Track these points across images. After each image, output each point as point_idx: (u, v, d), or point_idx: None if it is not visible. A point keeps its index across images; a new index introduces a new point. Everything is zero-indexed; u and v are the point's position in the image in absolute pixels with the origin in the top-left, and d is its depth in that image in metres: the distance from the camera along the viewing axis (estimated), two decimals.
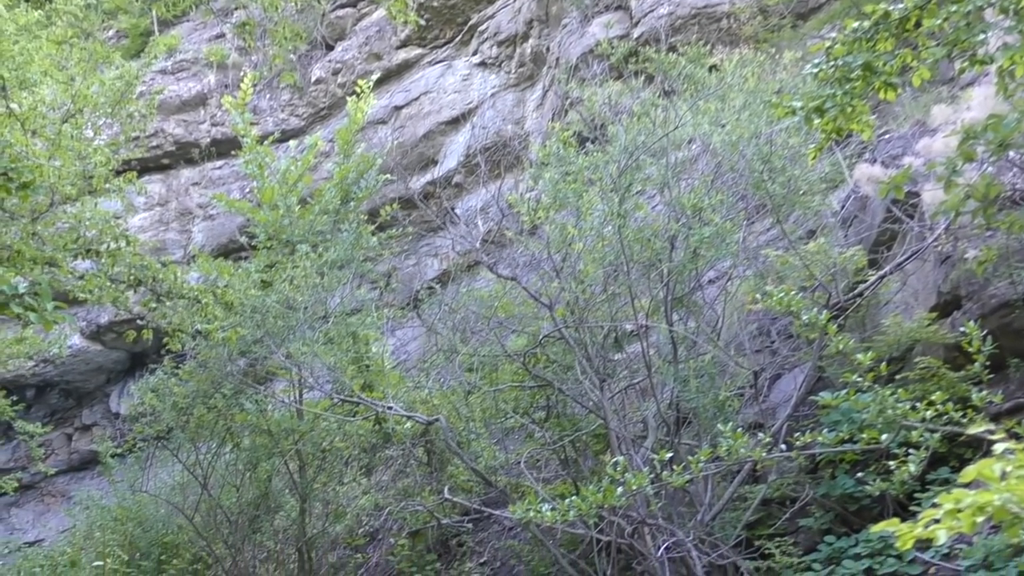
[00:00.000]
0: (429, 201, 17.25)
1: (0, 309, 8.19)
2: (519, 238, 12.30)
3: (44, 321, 7.98)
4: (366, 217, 15.89)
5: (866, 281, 10.21)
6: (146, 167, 22.13)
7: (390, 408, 13.09)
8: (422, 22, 19.93)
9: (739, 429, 7.28)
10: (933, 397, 6.73)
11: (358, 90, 16.83)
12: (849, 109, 6.57)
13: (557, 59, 19.21)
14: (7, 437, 21.85)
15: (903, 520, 3.74)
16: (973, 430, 4.35)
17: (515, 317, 13.20)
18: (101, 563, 5.23)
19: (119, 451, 18.36)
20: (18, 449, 23.26)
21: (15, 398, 18.42)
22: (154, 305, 11.99)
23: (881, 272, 10.18)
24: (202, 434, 15.44)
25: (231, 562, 15.87)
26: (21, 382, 22.75)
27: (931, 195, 8.73)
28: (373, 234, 15.23)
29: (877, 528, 3.83)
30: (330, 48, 23.94)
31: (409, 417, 13.34)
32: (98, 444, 18.80)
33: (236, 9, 23.34)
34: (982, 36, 6.19)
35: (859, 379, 7.04)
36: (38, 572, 16.67)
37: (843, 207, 11.73)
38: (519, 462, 12.44)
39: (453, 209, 16.63)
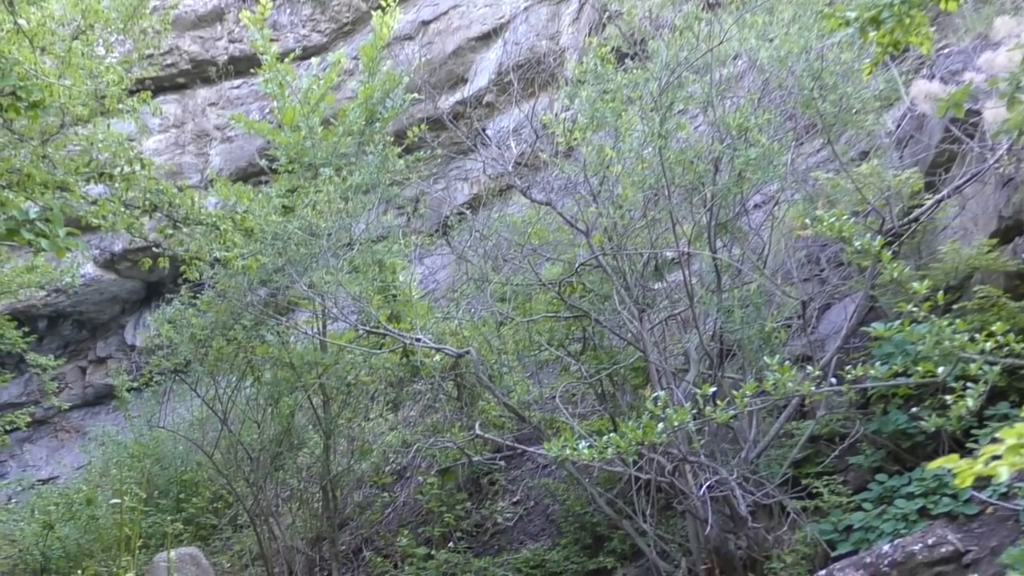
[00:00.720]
0: (459, 122, 17.21)
1: (10, 235, 8.29)
2: (554, 160, 12.28)
3: (56, 248, 8.07)
4: (392, 139, 15.87)
5: (922, 205, 10.15)
6: (161, 87, 22.15)
7: (418, 340, 13.17)
8: None
9: (786, 362, 7.30)
10: (993, 328, 6.72)
11: (383, 4, 16.73)
12: (907, 20, 6.50)
13: None
14: (19, 370, 22.15)
15: (960, 457, 3.74)
16: None
17: (550, 244, 13.22)
18: (118, 501, 5.36)
19: (135, 385, 18.62)
20: (30, 383, 23.60)
21: (26, 330, 18.64)
22: (170, 232, 12.07)
23: (938, 196, 10.11)
24: (221, 367, 15.60)
25: (252, 501, 16.12)
26: (33, 313, 23.02)
27: (993, 113, 8.65)
28: (400, 157, 15.22)
29: (934, 465, 3.85)
30: None
31: (438, 349, 13.43)
32: (113, 378, 19.07)
33: None
34: None
35: (914, 309, 7.03)
36: (53, 510, 16.96)
37: (898, 126, 11.63)
38: (554, 397, 12.54)
39: (484, 130, 16.60)
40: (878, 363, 7.36)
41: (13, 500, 21.35)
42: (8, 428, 18.53)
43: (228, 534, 17.94)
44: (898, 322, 7.20)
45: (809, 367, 7.79)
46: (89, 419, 24.00)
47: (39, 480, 21.98)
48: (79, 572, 5.24)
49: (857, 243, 8.03)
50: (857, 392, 9.64)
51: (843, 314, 11.02)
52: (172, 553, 5.96)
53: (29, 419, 19.69)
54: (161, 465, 18.36)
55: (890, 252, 8.15)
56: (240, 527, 17.98)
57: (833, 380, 8.45)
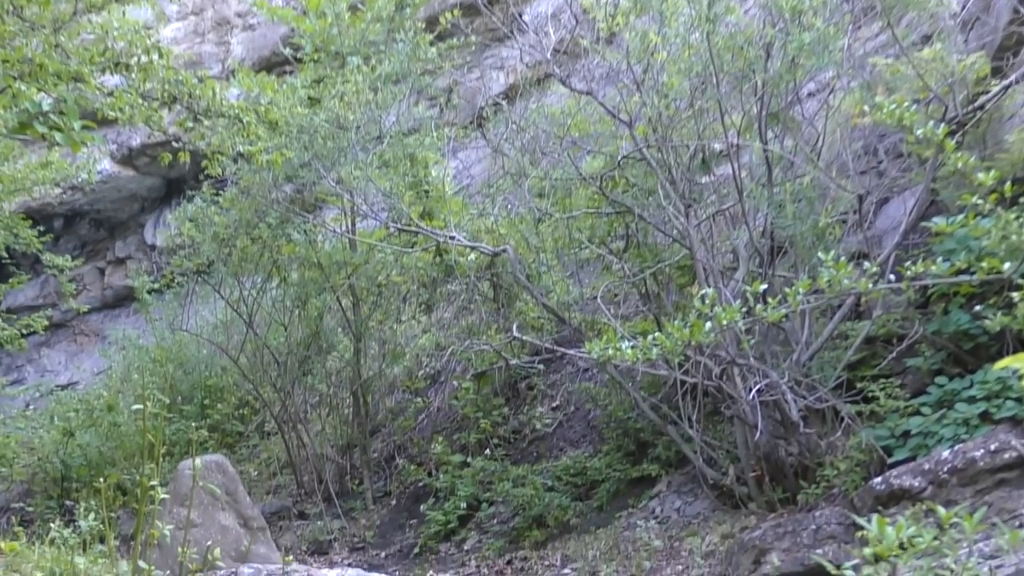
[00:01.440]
0: (494, 6, 17.05)
1: (23, 129, 8.35)
2: (595, 47, 12.18)
3: (71, 142, 8.13)
4: (424, 25, 15.74)
5: (988, 92, 10.04)
6: None
7: (452, 238, 13.22)
8: None
9: (841, 259, 7.30)
10: None
11: None
12: None
13: None
14: (35, 271, 22.39)
15: None
16: None
17: (591, 136, 13.17)
18: (140, 407, 5.50)
19: (156, 287, 18.84)
20: (47, 284, 23.86)
21: (41, 229, 18.82)
22: (190, 125, 12.08)
23: (1005, 82, 9.99)
24: (246, 268, 15.73)
25: (280, 407, 16.36)
26: (48, 211, 23.18)
27: None
28: (432, 44, 15.10)
29: (999, 366, 3.86)
30: None
31: (473, 248, 13.48)
32: (133, 279, 19.29)
33: None
34: None
35: (979, 202, 6.99)
36: (72, 417, 17.24)
37: (963, 8, 11.44)
38: (595, 297, 12.59)
39: (521, 15, 16.44)
40: (939, 260, 7.33)
41: (31, 407, 21.71)
42: (25, 332, 18.78)
43: (255, 442, 18.25)
44: (961, 216, 7.17)
45: (866, 264, 7.77)
46: (108, 322, 24.29)
47: (58, 386, 22.29)
48: (101, 480, 5.39)
49: (918, 132, 7.95)
50: (916, 290, 9.64)
51: (902, 208, 10.96)
52: (197, 461, 6.07)
53: (46, 323, 19.97)
54: (184, 370, 18.60)
55: (953, 142, 8.08)
56: (267, 434, 18.28)
57: (891, 277, 8.46)
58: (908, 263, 7.33)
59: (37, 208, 22.07)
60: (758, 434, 9.89)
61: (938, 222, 7.30)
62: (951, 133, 8.58)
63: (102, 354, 21.25)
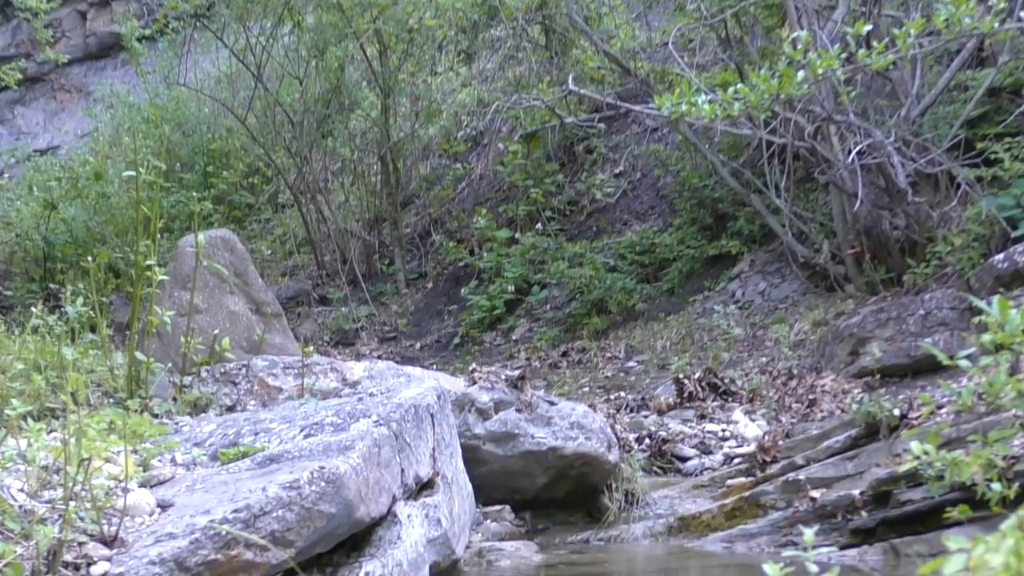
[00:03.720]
0: None
1: None
2: None
3: None
4: None
5: None
6: None
7: None
8: None
9: None
10: None
11: None
12: None
13: None
14: (4, 16, 22.29)
15: None
16: None
17: None
18: (133, 174, 5.49)
19: (147, 33, 18.69)
20: (19, 31, 23.77)
21: None
22: None
23: None
24: (253, 10, 15.58)
25: (296, 175, 16.45)
26: None
27: None
28: None
29: None
30: None
31: None
32: (120, 24, 19.14)
33: None
34: None
35: None
36: (55, 187, 17.31)
37: None
38: (666, 43, 12.43)
39: None
40: None
41: (7, 175, 21.80)
42: None
43: (267, 215, 18.42)
44: None
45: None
46: (93, 76, 24.24)
47: (36, 151, 22.36)
48: (89, 260, 5.44)
49: None
50: None
51: None
52: (200, 236, 6.10)
53: (20, 76, 19.92)
54: (183, 132, 18.63)
55: None
56: (282, 207, 18.44)
57: (1022, 15, 8.27)
58: None
59: None
60: (858, 204, 9.85)
61: None
62: None
63: (86, 113, 21.27)
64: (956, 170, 9.77)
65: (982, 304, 3.14)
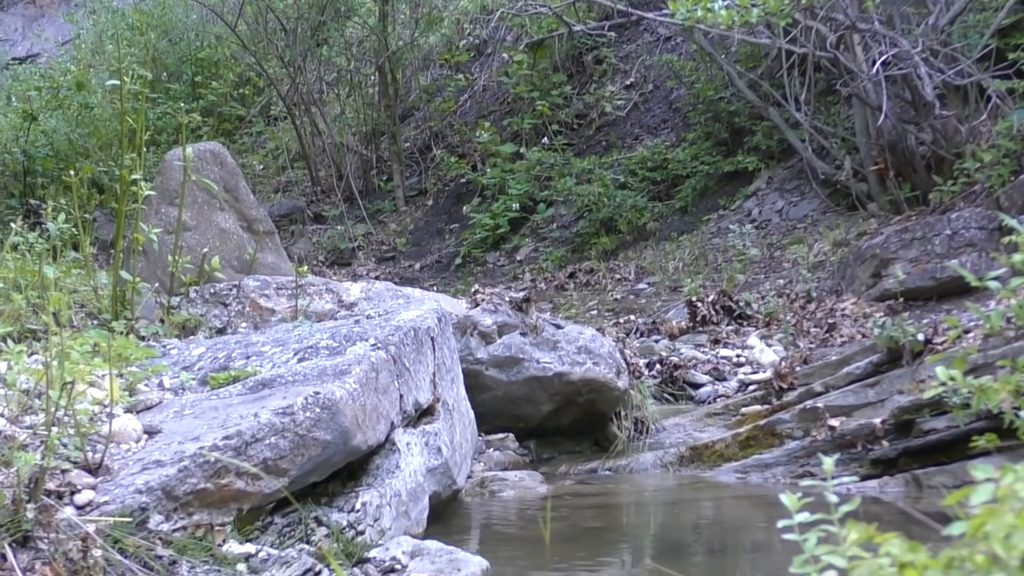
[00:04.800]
0: None
1: None
2: None
3: None
4: None
5: None
6: None
7: None
8: None
9: None
10: None
11: None
12: None
13: None
14: None
15: None
16: None
17: None
18: (117, 83, 5.46)
19: None
20: None
21: None
22: None
23: None
24: None
25: (289, 85, 16.40)
26: None
27: None
28: None
29: None
30: None
31: None
32: None
33: None
34: None
35: None
36: (35, 97, 17.26)
37: None
38: None
39: None
40: None
41: None
42: None
43: (259, 128, 18.37)
44: None
45: None
46: None
47: (14, 59, 22.28)
48: (71, 174, 5.41)
49: None
50: None
51: None
52: (188, 150, 6.08)
53: None
54: (170, 39, 18.56)
55: None
56: (274, 119, 18.39)
57: None
58: None
59: None
60: (882, 118, 9.81)
61: None
62: None
63: (68, 19, 21.18)
64: (986, 82, 9.72)
65: (1013, 222, 3.12)
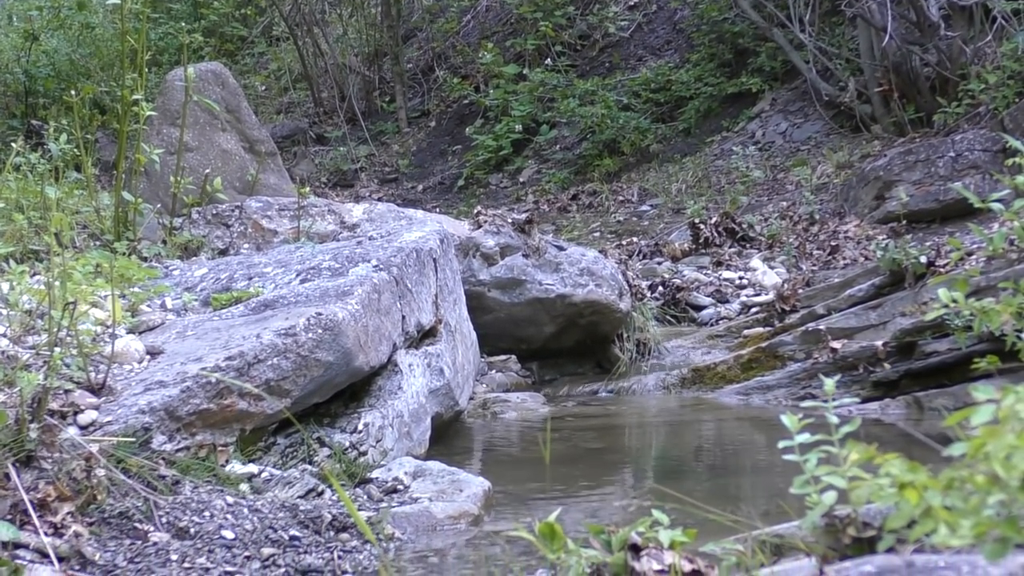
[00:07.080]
0: None
1: None
2: None
3: None
4: None
5: None
6: None
7: None
8: None
9: None
10: None
11: None
12: None
13: None
14: None
15: None
16: None
17: None
18: (118, 1, 5.43)
19: None
20: None
21: None
22: None
23: None
24: None
25: (291, 5, 16.33)
26: None
27: None
28: None
29: None
30: None
31: None
32: None
33: None
34: None
35: None
36: (36, 16, 17.17)
37: None
38: None
39: None
40: None
41: None
42: None
43: (261, 48, 18.29)
44: None
45: None
46: None
47: None
48: (73, 94, 5.39)
49: None
50: None
51: None
52: (190, 70, 6.05)
53: None
54: None
55: None
56: (276, 40, 18.30)
57: None
58: None
59: None
60: (887, 38, 9.77)
61: None
62: None
63: None
64: (992, 2, 9.66)
65: (1017, 144, 3.11)
